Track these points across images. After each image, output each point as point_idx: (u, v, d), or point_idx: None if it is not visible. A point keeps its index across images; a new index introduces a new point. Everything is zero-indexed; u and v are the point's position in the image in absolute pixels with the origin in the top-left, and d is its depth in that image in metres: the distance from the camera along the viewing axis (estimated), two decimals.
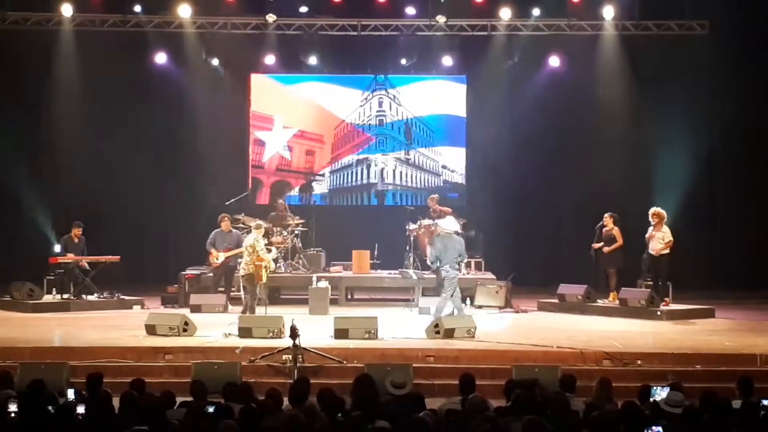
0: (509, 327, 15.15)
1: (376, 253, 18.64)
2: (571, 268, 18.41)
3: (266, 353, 12.19)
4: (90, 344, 12.87)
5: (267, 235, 17.61)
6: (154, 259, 20.69)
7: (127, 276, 18.19)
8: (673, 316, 15.86)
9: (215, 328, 13.88)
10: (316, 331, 13.49)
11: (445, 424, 7.54)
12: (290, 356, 11.59)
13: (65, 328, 14.51)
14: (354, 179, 21.41)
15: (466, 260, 15.98)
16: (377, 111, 21.35)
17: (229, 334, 13.38)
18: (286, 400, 8.33)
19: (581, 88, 20.46)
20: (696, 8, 19.61)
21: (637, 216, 16.73)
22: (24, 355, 12.23)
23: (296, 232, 18.58)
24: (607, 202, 17.82)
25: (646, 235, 16.34)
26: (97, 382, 8.99)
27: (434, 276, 16.88)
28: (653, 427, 7.16)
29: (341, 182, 21.43)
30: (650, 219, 16.30)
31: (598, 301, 16.87)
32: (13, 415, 7.55)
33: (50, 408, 7.71)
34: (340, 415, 7.60)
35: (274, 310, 15.14)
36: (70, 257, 16.96)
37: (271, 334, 13.09)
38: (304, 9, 20.46)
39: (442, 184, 21.18)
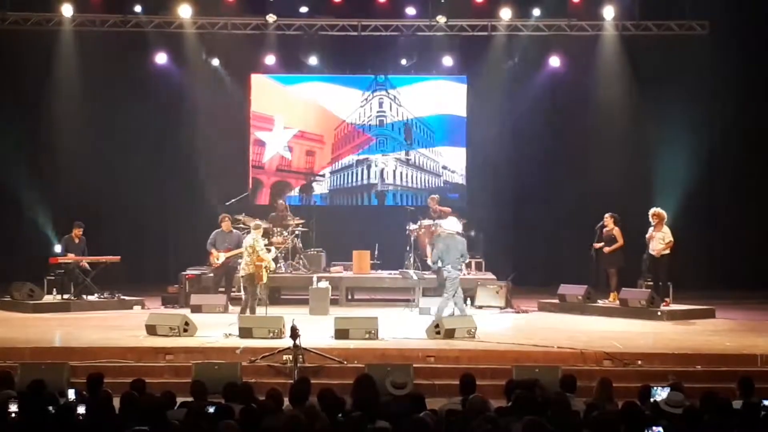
0: (510, 327, 15.15)
1: (376, 253, 18.64)
2: (571, 268, 18.41)
3: (267, 353, 12.20)
4: (90, 344, 12.88)
5: (267, 235, 17.64)
6: (155, 260, 20.69)
7: (128, 276, 18.19)
8: (673, 316, 15.87)
9: (216, 329, 13.89)
10: (316, 331, 13.50)
11: (445, 424, 7.54)
12: (291, 356, 11.60)
13: (66, 329, 14.51)
14: (354, 180, 21.40)
15: (468, 260, 15.97)
16: (377, 111, 21.34)
17: (230, 334, 13.38)
18: (286, 401, 8.34)
19: (581, 88, 20.47)
20: (696, 8, 19.60)
21: (638, 216, 16.73)
22: (24, 355, 12.24)
23: (297, 232, 18.58)
24: (608, 202, 17.81)
25: (647, 236, 16.34)
26: (97, 382, 8.99)
27: (435, 276, 16.88)
28: (654, 428, 7.16)
29: (341, 183, 21.42)
30: (650, 219, 16.30)
31: (599, 301, 16.87)
32: (13, 415, 7.55)
33: (51, 408, 7.71)
34: (340, 415, 7.60)
35: (274, 311, 15.14)
36: (71, 257, 16.96)
37: (271, 335, 13.10)
38: (304, 9, 20.45)
39: (442, 185, 21.17)
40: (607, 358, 12.35)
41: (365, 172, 21.39)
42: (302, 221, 18.81)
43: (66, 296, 16.86)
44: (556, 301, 17.05)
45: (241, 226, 17.52)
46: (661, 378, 11.15)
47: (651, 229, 16.32)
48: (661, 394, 8.35)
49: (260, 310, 15.02)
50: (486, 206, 20.40)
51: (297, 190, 21.40)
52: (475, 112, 21.12)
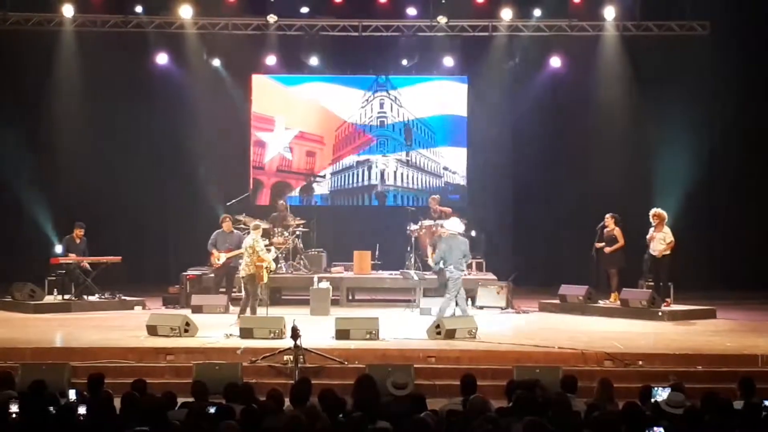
0: (510, 328, 15.14)
1: (377, 253, 18.64)
2: (571, 268, 18.40)
3: (267, 354, 12.20)
4: (91, 345, 12.88)
5: (268, 235, 17.64)
6: (155, 260, 20.68)
7: (128, 277, 18.19)
8: (674, 316, 15.87)
9: (216, 329, 13.90)
10: (317, 331, 13.50)
11: (446, 424, 7.55)
12: (291, 357, 11.60)
13: (66, 329, 14.51)
14: (355, 181, 21.39)
15: (469, 259, 15.97)
16: (378, 112, 21.34)
17: (231, 334, 13.39)
18: (287, 401, 8.34)
19: (582, 88, 20.47)
20: (697, 9, 19.60)
21: (638, 216, 16.72)
22: (25, 355, 12.25)
23: (297, 232, 18.58)
24: (608, 203, 17.81)
25: (647, 237, 16.33)
26: (98, 382, 8.99)
27: (435, 277, 16.88)
28: (654, 428, 7.17)
29: (342, 184, 21.41)
30: (651, 220, 16.30)
31: (599, 301, 16.86)
32: (14, 415, 7.56)
33: (51, 409, 7.72)
34: (341, 415, 7.60)
35: (275, 311, 15.14)
36: (72, 258, 16.97)
37: (272, 335, 13.11)
38: (305, 10, 20.44)
39: (443, 186, 21.15)
40: (607, 359, 12.35)
41: (366, 173, 21.38)
42: (303, 221, 18.81)
43: (67, 297, 16.87)
44: (557, 301, 17.05)
45: (242, 226, 17.52)
46: (662, 378, 11.15)
47: (651, 229, 16.32)
48: (661, 394, 8.35)
49: (261, 311, 15.02)
50: (486, 206, 20.41)
51: (297, 190, 21.39)
52: (476, 113, 21.12)
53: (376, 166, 21.37)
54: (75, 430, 7.44)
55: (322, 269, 18.44)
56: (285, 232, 18.34)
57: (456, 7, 19.98)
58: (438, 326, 13.52)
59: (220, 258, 16.83)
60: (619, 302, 16.50)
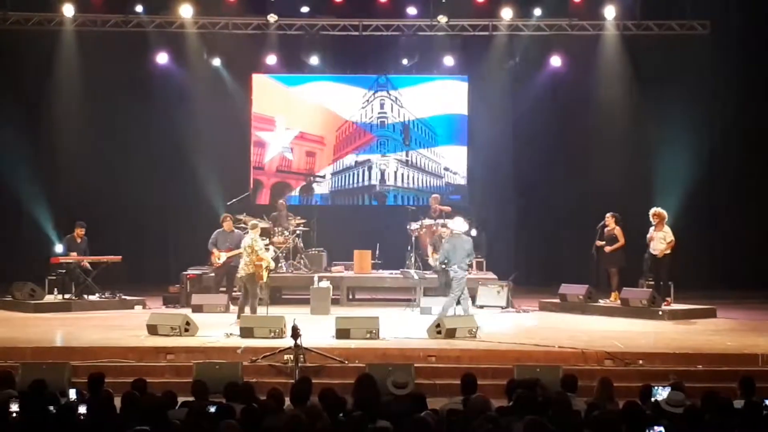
0: (511, 327, 15.12)
1: (377, 253, 18.64)
2: (571, 268, 18.41)
3: (268, 353, 12.21)
4: (91, 344, 12.88)
5: (268, 235, 17.65)
6: (156, 259, 20.67)
7: (129, 276, 18.19)
8: (674, 316, 15.87)
9: (217, 328, 13.90)
10: (317, 331, 13.50)
11: (446, 424, 7.55)
12: (292, 356, 11.60)
13: (67, 328, 14.52)
14: (355, 181, 21.38)
15: (473, 258, 15.98)
16: (378, 113, 21.33)
17: (231, 334, 13.40)
18: (287, 400, 8.34)
19: (582, 87, 20.46)
20: (697, 8, 19.61)
21: (638, 216, 16.72)
22: (25, 355, 12.25)
23: (298, 232, 18.59)
24: (608, 202, 17.81)
25: (647, 236, 16.33)
26: (98, 382, 8.99)
27: (435, 276, 16.89)
28: (655, 427, 7.17)
29: (342, 184, 21.40)
30: (651, 219, 16.30)
31: (600, 301, 16.87)
32: (14, 415, 7.56)
33: (52, 408, 7.72)
34: (341, 415, 7.60)
35: (275, 310, 15.15)
36: (73, 257, 16.98)
37: (272, 334, 13.11)
38: (305, 9, 20.45)
39: (444, 186, 21.13)
40: (608, 358, 12.36)
41: (366, 173, 21.37)
42: (303, 221, 18.82)
43: (67, 296, 16.87)
44: (557, 300, 17.06)
45: (243, 225, 17.51)
46: (662, 377, 11.15)
47: (651, 229, 16.32)
48: (662, 393, 8.36)
49: (261, 310, 15.03)
50: (487, 206, 20.42)
51: (297, 190, 21.39)
52: (476, 112, 21.11)
53: (377, 167, 21.36)
54: (75, 429, 7.43)
55: (322, 268, 18.45)
56: (285, 232, 18.35)
57: (456, 7, 19.98)
58: (438, 325, 13.52)
59: (220, 257, 16.83)
60: (619, 301, 16.50)
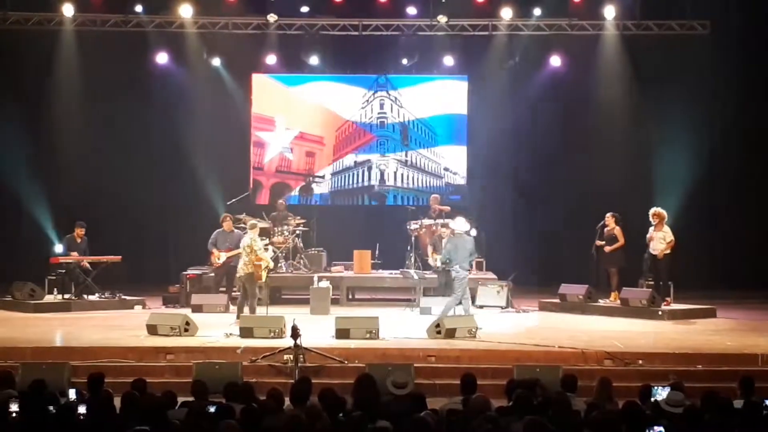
0: (510, 327, 15.12)
1: (377, 253, 18.64)
2: (571, 268, 18.40)
3: (267, 353, 12.21)
4: (91, 344, 12.89)
5: (268, 235, 17.65)
6: (156, 259, 20.65)
7: (129, 276, 18.17)
8: (674, 315, 15.87)
9: (216, 328, 13.91)
10: (317, 331, 13.50)
11: (446, 423, 7.55)
12: (291, 356, 11.60)
13: (66, 328, 14.52)
14: (355, 181, 21.37)
15: (476, 257, 15.98)
16: (378, 113, 21.32)
17: (231, 334, 13.40)
18: (287, 400, 8.34)
19: (582, 87, 20.46)
20: (697, 8, 19.61)
21: (638, 216, 16.73)
22: (25, 355, 12.25)
23: (297, 232, 18.58)
24: (608, 202, 17.81)
25: (647, 236, 16.33)
26: (98, 382, 8.99)
27: (435, 276, 16.89)
28: (654, 427, 7.17)
29: (342, 184, 21.39)
30: (651, 219, 16.30)
31: (600, 300, 16.87)
32: (14, 415, 7.56)
33: (51, 408, 7.72)
34: (341, 415, 7.60)
35: (275, 310, 15.15)
36: (74, 256, 16.98)
37: (272, 334, 13.11)
38: (305, 9, 20.44)
39: (444, 186, 21.12)
40: (608, 358, 12.36)
41: (366, 173, 21.36)
42: (303, 221, 18.81)
43: (67, 296, 16.87)
44: (557, 300, 17.06)
45: (242, 225, 17.50)
46: (662, 377, 11.16)
47: (651, 229, 16.32)
48: (661, 393, 8.36)
49: (261, 310, 15.03)
50: (486, 205, 20.40)
51: (297, 190, 21.38)
52: (476, 112, 21.10)
53: (376, 167, 21.35)
54: (75, 429, 7.43)
55: (322, 268, 18.44)
56: (285, 232, 18.35)
57: (456, 7, 19.97)
58: (438, 325, 13.52)
59: (220, 257, 16.83)
60: (619, 301, 16.50)
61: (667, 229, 16.25)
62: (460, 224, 15.27)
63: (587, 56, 20.16)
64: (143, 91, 20.58)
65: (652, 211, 16.35)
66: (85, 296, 17.02)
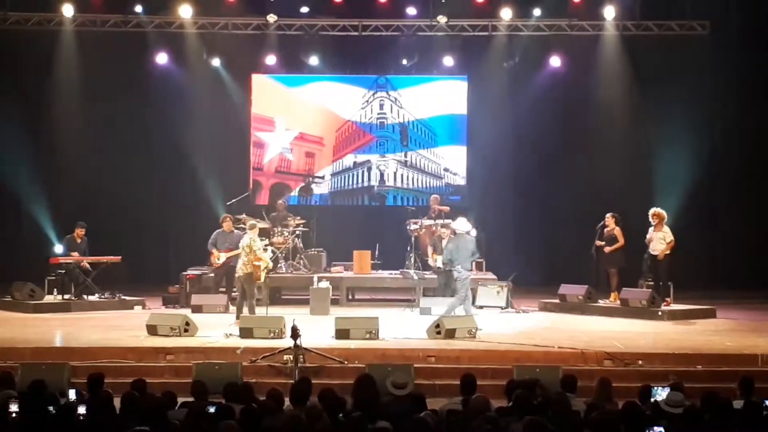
0: (510, 327, 15.11)
1: (377, 253, 18.64)
2: (571, 268, 18.40)
3: (267, 353, 12.21)
4: (91, 344, 12.88)
5: (268, 235, 17.66)
6: (155, 260, 20.65)
7: (128, 276, 18.17)
8: (674, 316, 15.87)
9: (216, 329, 13.91)
10: (317, 331, 13.50)
11: (446, 424, 7.55)
12: (291, 356, 11.60)
13: (66, 329, 14.52)
14: (355, 182, 21.36)
15: (477, 257, 15.97)
16: (378, 114, 21.31)
17: (230, 334, 13.40)
18: (287, 401, 8.34)
19: (582, 88, 20.47)
20: (697, 8, 19.61)
21: (638, 216, 16.73)
22: (25, 355, 12.25)
23: (297, 232, 18.58)
24: (608, 202, 17.82)
25: (647, 237, 16.33)
26: (98, 382, 8.99)
27: (435, 276, 16.88)
28: (654, 428, 7.17)
29: (342, 185, 21.38)
30: (650, 219, 16.30)
31: (599, 301, 16.87)
32: (14, 415, 7.56)
33: (51, 408, 7.72)
34: (341, 415, 7.60)
35: (275, 311, 15.15)
36: (75, 256, 16.98)
37: (272, 335, 13.11)
38: (305, 9, 20.44)
39: (444, 187, 21.11)
40: (607, 358, 12.36)
41: (365, 174, 21.36)
42: (303, 221, 18.81)
43: (67, 296, 16.87)
44: (557, 301, 17.05)
45: (242, 226, 17.51)
46: (662, 378, 11.15)
47: (651, 229, 16.32)
48: (661, 394, 8.36)
49: (261, 310, 15.02)
50: (486, 206, 20.38)
51: (296, 191, 21.37)
52: (476, 113, 21.10)
53: (376, 167, 21.35)
54: (75, 429, 7.44)
55: (321, 269, 18.44)
56: (285, 232, 18.35)
57: (456, 7, 19.97)
58: (438, 326, 13.51)
59: (220, 258, 16.82)
60: (618, 302, 16.50)
61: (666, 229, 16.25)
62: (461, 224, 15.26)
63: (587, 56, 20.16)
64: (143, 91, 20.58)
65: (651, 211, 16.35)
66: (84, 296, 17.02)
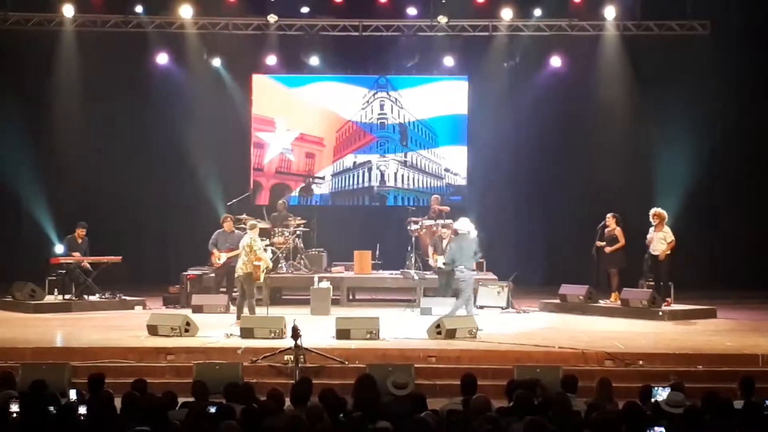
0: (511, 327, 15.10)
1: (377, 253, 18.64)
2: (571, 268, 18.41)
3: (268, 354, 12.20)
4: (91, 345, 12.88)
5: (268, 235, 17.66)
6: (156, 260, 20.66)
7: (129, 276, 18.18)
8: (674, 316, 15.87)
9: (217, 329, 13.90)
10: (317, 331, 13.50)
11: (446, 424, 7.55)
12: (292, 357, 11.60)
13: (67, 329, 14.52)
14: (355, 182, 21.36)
15: (480, 256, 15.97)
16: (378, 114, 21.31)
17: (231, 334, 13.40)
18: (287, 401, 8.34)
19: (582, 88, 20.46)
20: (697, 8, 19.61)
21: (638, 216, 16.73)
22: (26, 355, 12.25)
23: (298, 232, 18.58)
24: (608, 202, 17.82)
25: (647, 237, 16.32)
26: (98, 382, 8.99)
27: (436, 276, 16.88)
28: (655, 428, 7.17)
29: (342, 185, 21.38)
30: (651, 220, 16.30)
31: (600, 301, 16.86)
32: (14, 415, 7.56)
33: (52, 408, 7.73)
34: (341, 415, 7.61)
35: (275, 311, 15.16)
36: (75, 256, 16.98)
37: (272, 335, 13.11)
38: (305, 9, 20.44)
39: (444, 187, 21.11)
40: (608, 358, 12.36)
41: (366, 174, 21.35)
42: (303, 221, 18.81)
43: (67, 296, 16.87)
44: (557, 301, 17.05)
45: (243, 226, 17.50)
46: (663, 378, 11.15)
47: (651, 229, 16.31)
48: (662, 394, 8.36)
49: (261, 311, 15.03)
50: (487, 206, 20.38)
51: (297, 191, 21.37)
52: (477, 113, 21.10)
53: (376, 168, 21.35)
54: (75, 429, 7.44)
55: (322, 269, 18.44)
56: (285, 232, 18.35)
57: (456, 7, 19.97)
58: (438, 326, 13.51)
59: (220, 258, 16.83)
60: (619, 302, 16.50)
61: (667, 229, 16.25)
62: (464, 224, 15.26)
63: (587, 57, 20.16)
64: (143, 91, 20.58)
65: (652, 211, 16.35)
66: (85, 297, 17.02)
